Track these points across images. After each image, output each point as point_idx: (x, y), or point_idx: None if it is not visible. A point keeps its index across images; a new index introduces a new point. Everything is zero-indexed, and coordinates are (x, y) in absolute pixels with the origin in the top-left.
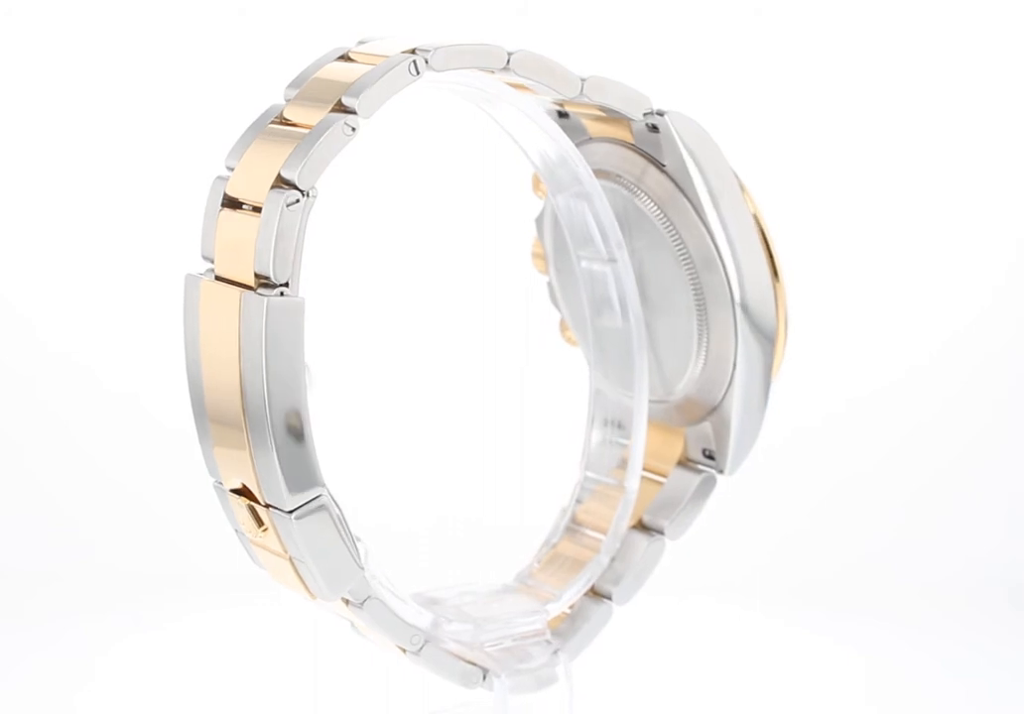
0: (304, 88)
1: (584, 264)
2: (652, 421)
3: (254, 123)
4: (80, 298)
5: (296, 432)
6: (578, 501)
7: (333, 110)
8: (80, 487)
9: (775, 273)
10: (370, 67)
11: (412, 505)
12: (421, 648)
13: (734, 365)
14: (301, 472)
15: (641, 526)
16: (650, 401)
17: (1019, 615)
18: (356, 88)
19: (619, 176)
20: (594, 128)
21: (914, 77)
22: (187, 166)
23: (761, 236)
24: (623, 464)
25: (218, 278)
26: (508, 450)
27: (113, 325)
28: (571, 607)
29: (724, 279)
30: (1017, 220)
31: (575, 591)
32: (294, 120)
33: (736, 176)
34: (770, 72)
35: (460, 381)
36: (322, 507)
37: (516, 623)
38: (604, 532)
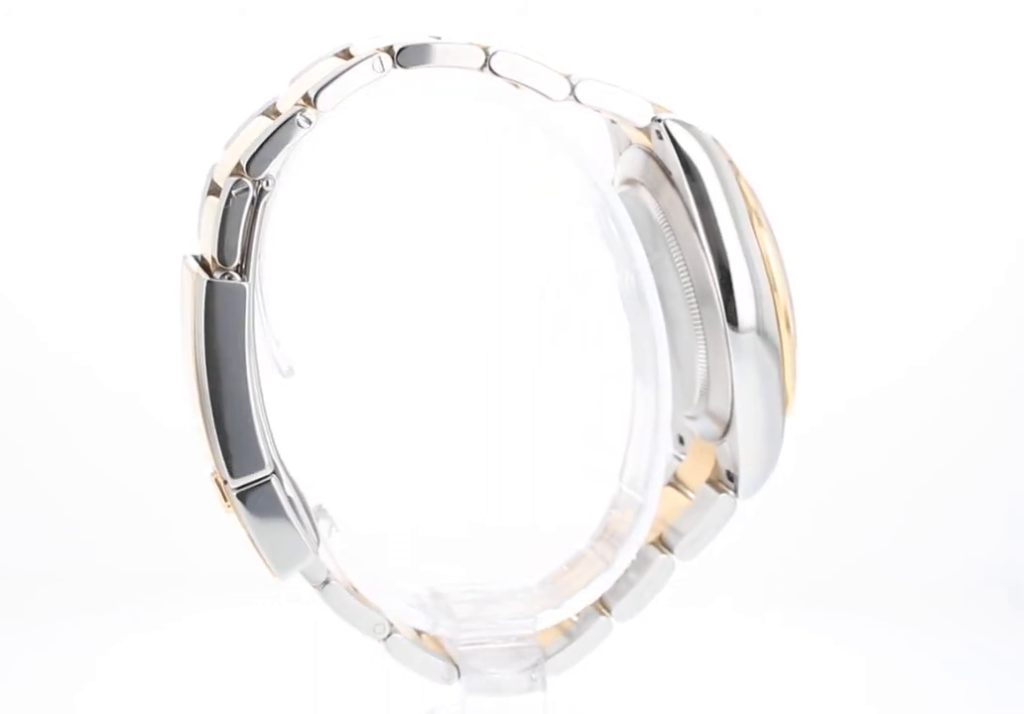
0: (296, 81)
1: (620, 271)
2: (692, 435)
3: (252, 114)
4: (80, 298)
5: (239, 413)
6: (614, 507)
7: (299, 103)
8: (80, 487)
9: (778, 304)
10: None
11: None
12: (386, 638)
13: (732, 385)
14: (244, 452)
15: (660, 541)
16: (685, 415)
17: (1019, 615)
18: (319, 83)
19: (643, 185)
20: (632, 135)
21: (914, 77)
22: (187, 164)
23: (764, 258)
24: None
25: (201, 261)
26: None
27: (113, 325)
28: (578, 616)
29: (717, 304)
30: (1017, 220)
31: (578, 600)
32: (282, 112)
33: (740, 187)
34: (770, 72)
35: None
36: (268, 488)
37: (501, 626)
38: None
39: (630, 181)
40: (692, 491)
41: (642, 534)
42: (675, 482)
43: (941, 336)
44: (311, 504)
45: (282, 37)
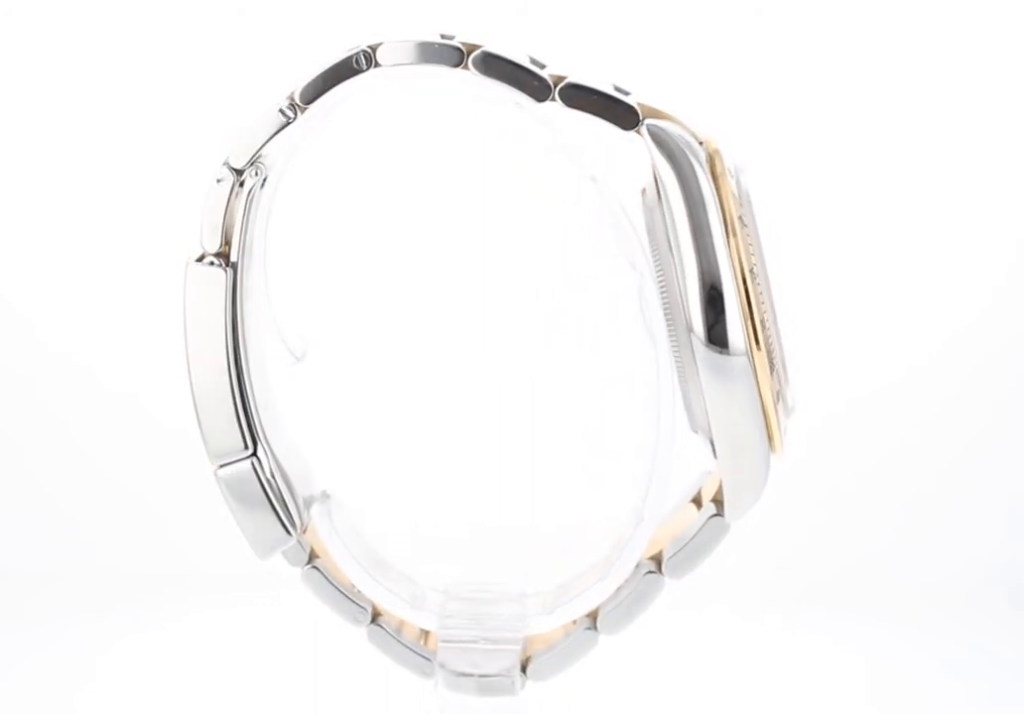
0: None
1: (620, 273)
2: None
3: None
4: (80, 298)
5: (216, 395)
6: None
7: (289, 96)
8: (80, 487)
9: (756, 338)
10: None
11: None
12: (366, 627)
13: (707, 408)
14: (222, 433)
15: (659, 556)
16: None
17: (1019, 615)
18: (303, 78)
19: (647, 193)
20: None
21: (914, 77)
22: (185, 165)
23: (741, 280)
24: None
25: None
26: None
27: (113, 325)
28: (574, 623)
29: (691, 324)
30: (1017, 220)
31: (571, 608)
32: None
33: (720, 200)
34: (770, 72)
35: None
36: (244, 469)
37: (485, 627)
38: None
39: (643, 189)
40: (704, 508)
41: (638, 546)
42: (697, 497)
43: (941, 336)
44: (311, 491)
45: (283, 36)
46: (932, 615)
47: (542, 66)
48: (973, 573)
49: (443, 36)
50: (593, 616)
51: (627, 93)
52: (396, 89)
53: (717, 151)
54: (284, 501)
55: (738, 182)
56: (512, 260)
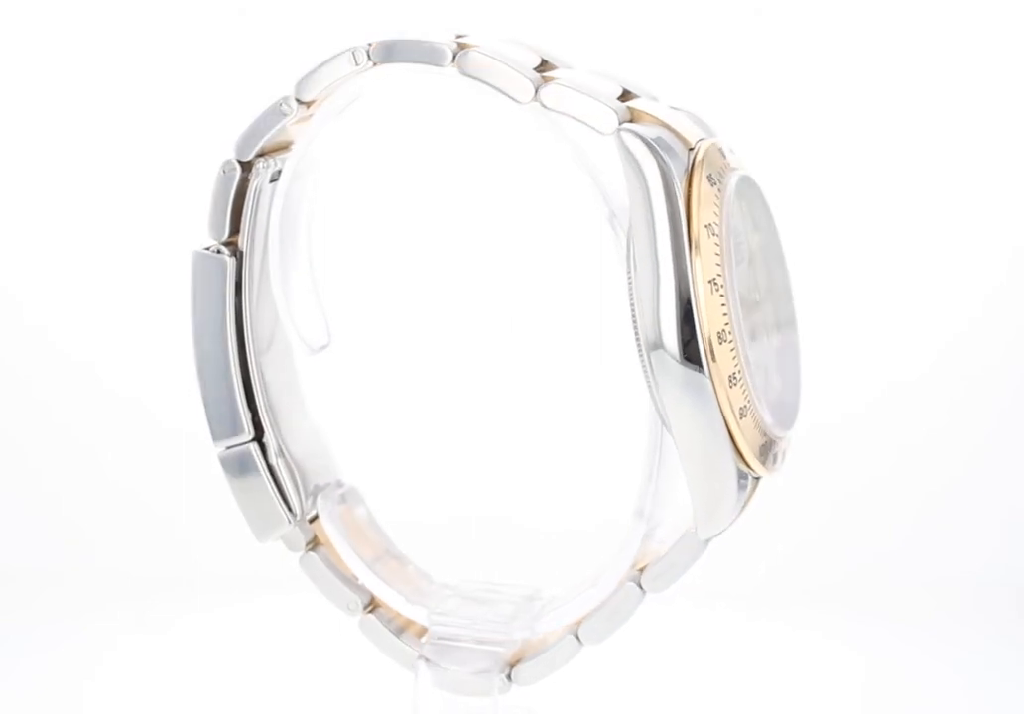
0: None
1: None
2: None
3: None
4: (82, 297)
5: (216, 380)
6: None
7: (290, 94)
8: (82, 488)
9: (711, 350)
10: None
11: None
12: (360, 616)
13: (671, 425)
14: (223, 418)
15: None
16: None
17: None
18: (302, 76)
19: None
20: None
21: (914, 77)
22: (183, 165)
23: (705, 303)
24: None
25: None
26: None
27: (115, 325)
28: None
29: (660, 339)
30: (1017, 220)
31: (561, 615)
32: None
33: (687, 210)
34: (770, 73)
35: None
36: (243, 454)
37: (477, 627)
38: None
39: None
40: None
41: (625, 557)
42: None
43: (942, 341)
44: (326, 480)
45: (283, 36)
46: (934, 616)
47: (548, 67)
48: (978, 576)
49: (458, 36)
50: (579, 623)
51: (636, 97)
52: (394, 88)
53: (702, 160)
54: (285, 488)
55: (725, 188)
56: (512, 260)
